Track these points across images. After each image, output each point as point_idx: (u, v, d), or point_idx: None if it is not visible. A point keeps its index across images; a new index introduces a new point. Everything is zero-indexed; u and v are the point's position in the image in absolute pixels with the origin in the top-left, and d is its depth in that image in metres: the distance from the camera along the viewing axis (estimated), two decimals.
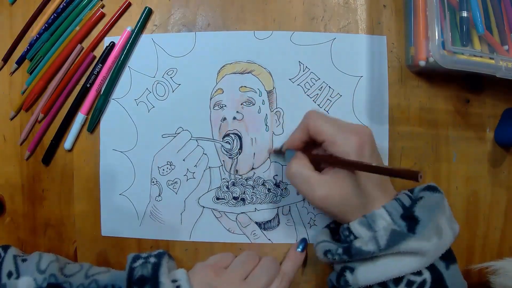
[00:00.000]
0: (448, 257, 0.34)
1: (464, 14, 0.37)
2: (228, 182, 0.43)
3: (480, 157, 0.42)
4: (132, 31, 0.44)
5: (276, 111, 0.42)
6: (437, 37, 0.35)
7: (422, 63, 0.38)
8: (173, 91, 0.44)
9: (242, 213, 0.43)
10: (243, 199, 0.43)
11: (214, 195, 0.43)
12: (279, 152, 0.41)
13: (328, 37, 0.42)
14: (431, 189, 0.36)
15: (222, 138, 0.43)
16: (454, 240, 0.34)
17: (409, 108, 0.42)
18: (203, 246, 0.43)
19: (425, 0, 0.37)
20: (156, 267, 0.36)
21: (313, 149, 0.38)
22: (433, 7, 0.36)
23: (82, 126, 0.45)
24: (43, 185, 0.46)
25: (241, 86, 0.43)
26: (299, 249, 0.41)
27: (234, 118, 0.43)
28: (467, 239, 0.42)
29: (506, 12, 0.39)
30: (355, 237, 0.35)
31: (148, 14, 0.44)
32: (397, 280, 0.33)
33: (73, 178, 0.46)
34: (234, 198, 0.43)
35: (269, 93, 0.43)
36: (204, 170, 0.43)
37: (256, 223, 0.43)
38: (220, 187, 0.43)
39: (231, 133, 0.43)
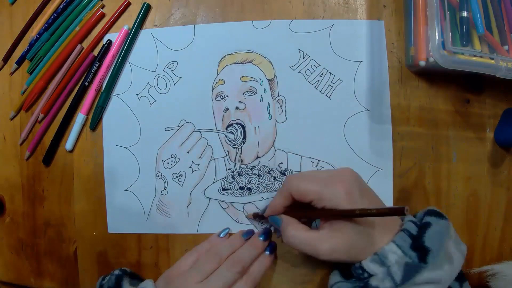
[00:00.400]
0: (460, 277, 0.35)
1: (464, 14, 0.38)
2: (233, 172, 0.43)
3: (480, 157, 0.43)
4: (131, 27, 0.44)
5: (278, 99, 0.43)
6: (437, 37, 0.36)
7: (422, 63, 0.39)
8: (174, 84, 0.44)
9: (249, 202, 0.43)
10: (249, 189, 0.43)
11: (220, 186, 0.43)
12: (258, 217, 0.42)
13: (326, 24, 0.43)
14: (435, 214, 0.36)
15: (226, 129, 0.43)
16: (464, 261, 0.35)
17: (409, 108, 0.42)
18: None
19: (425, 0, 0.38)
20: (120, 278, 0.39)
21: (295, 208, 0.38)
22: (433, 7, 0.36)
23: (83, 126, 0.45)
24: (43, 185, 0.46)
25: (242, 76, 0.43)
26: (261, 238, 0.40)
27: (237, 108, 0.43)
28: (467, 239, 0.43)
29: (506, 12, 0.39)
30: (369, 275, 0.34)
31: (146, 10, 0.44)
32: None
33: (73, 178, 0.45)
34: (240, 188, 0.43)
35: (270, 81, 0.43)
36: (209, 162, 0.43)
37: None
38: (225, 177, 0.43)
39: (234, 123, 0.43)
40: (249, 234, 0.41)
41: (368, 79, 0.43)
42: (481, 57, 0.38)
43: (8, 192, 0.47)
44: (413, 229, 0.35)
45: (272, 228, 0.42)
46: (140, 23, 0.44)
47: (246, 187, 0.43)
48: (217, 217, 0.43)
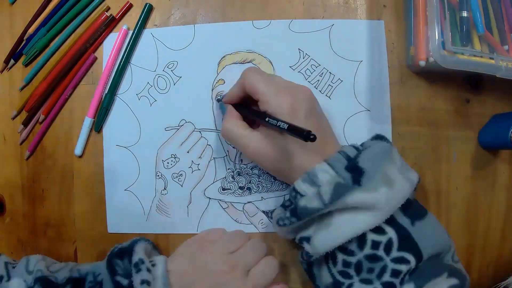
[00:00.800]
0: (411, 212, 0.33)
1: (464, 14, 0.38)
2: (233, 172, 0.43)
3: (480, 157, 0.43)
4: (134, 27, 0.44)
5: None
6: (437, 37, 0.36)
7: (422, 63, 0.39)
8: (174, 84, 0.44)
9: (249, 202, 0.43)
10: (249, 188, 0.43)
11: (220, 186, 0.43)
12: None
13: (326, 24, 0.43)
14: (379, 138, 0.35)
15: None
16: (413, 191, 0.33)
17: (409, 108, 0.42)
18: None
19: (425, 0, 0.38)
20: (134, 242, 0.37)
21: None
22: (433, 7, 0.36)
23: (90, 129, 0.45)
24: (43, 185, 0.46)
25: None
26: None
27: None
28: (467, 239, 0.43)
29: (506, 12, 0.39)
30: (301, 196, 0.33)
31: (149, 10, 0.44)
32: (362, 244, 0.32)
33: (73, 178, 0.45)
34: (240, 187, 0.43)
35: None
36: (209, 161, 0.43)
37: (263, 212, 0.43)
38: (225, 177, 0.43)
39: None
40: None
41: (368, 79, 0.43)
42: (481, 57, 0.37)
43: (8, 192, 0.47)
44: (352, 152, 0.34)
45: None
46: (142, 24, 0.44)
47: (246, 187, 0.43)
48: (217, 217, 0.43)
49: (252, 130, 0.36)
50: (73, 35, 0.46)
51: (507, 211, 0.43)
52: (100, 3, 0.45)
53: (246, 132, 0.36)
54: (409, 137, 0.42)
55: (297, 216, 0.32)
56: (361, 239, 0.32)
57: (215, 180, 0.43)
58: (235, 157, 0.43)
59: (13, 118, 0.46)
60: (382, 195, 0.31)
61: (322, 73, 0.43)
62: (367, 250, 0.31)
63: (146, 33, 0.45)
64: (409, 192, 0.32)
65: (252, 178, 0.43)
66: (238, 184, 0.43)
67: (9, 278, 0.37)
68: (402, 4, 0.43)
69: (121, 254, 0.36)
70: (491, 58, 0.37)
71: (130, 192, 0.44)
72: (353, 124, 0.42)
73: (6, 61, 0.47)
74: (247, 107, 0.39)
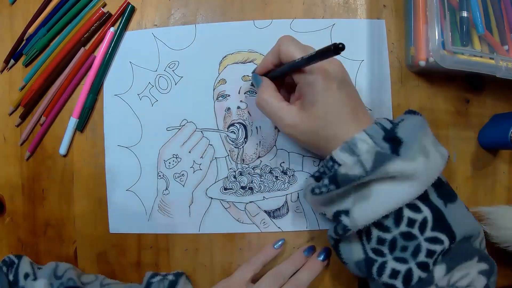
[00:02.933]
0: (444, 193, 0.33)
1: (464, 14, 0.38)
2: (235, 171, 0.43)
3: (480, 157, 0.43)
4: (116, 28, 0.45)
5: None
6: (437, 37, 0.36)
7: (422, 63, 0.39)
8: (175, 84, 0.44)
9: (251, 202, 0.43)
10: (251, 188, 0.43)
11: (222, 186, 0.43)
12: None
13: (327, 23, 0.43)
14: (412, 112, 0.35)
15: (227, 128, 0.43)
16: (445, 165, 0.33)
17: (409, 108, 0.42)
18: (203, 246, 0.44)
19: (425, 0, 0.38)
20: (173, 285, 0.38)
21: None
22: (433, 7, 0.36)
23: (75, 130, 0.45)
24: (43, 185, 0.46)
25: (244, 76, 0.43)
26: (321, 258, 0.41)
27: (238, 107, 0.43)
28: None
29: (506, 12, 0.39)
30: (339, 165, 0.33)
31: (130, 12, 0.45)
32: (398, 220, 0.32)
33: (73, 178, 0.45)
34: (242, 187, 0.43)
35: None
36: (211, 161, 0.43)
37: (265, 211, 0.43)
38: (227, 177, 0.43)
39: (235, 123, 0.43)
40: (310, 251, 0.41)
41: (369, 78, 0.43)
42: (481, 57, 0.38)
43: (8, 192, 0.47)
44: (387, 124, 0.34)
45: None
46: (124, 26, 0.45)
47: (248, 187, 0.43)
48: (219, 217, 0.43)
49: (288, 103, 0.36)
50: (71, 33, 0.45)
51: (496, 180, 0.43)
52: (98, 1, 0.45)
53: (283, 105, 0.36)
54: None
55: (336, 184, 0.32)
56: (397, 215, 0.32)
57: (217, 180, 0.43)
58: (237, 157, 0.43)
59: (10, 114, 0.46)
60: (420, 165, 0.31)
61: None
62: (403, 227, 0.32)
63: (147, 33, 0.45)
64: (442, 165, 0.32)
65: (254, 177, 0.43)
66: (240, 184, 0.43)
67: (35, 278, 0.38)
68: (402, 4, 0.43)
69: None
70: (491, 58, 0.37)
71: (132, 192, 0.44)
72: None
73: (6, 61, 0.46)
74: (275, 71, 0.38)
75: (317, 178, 0.36)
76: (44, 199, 0.46)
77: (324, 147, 0.35)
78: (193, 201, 0.43)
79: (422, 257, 0.31)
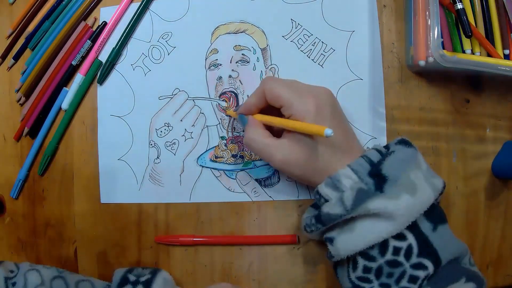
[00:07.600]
0: (435, 217, 0.32)
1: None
2: (226, 140, 0.43)
3: (480, 157, 0.42)
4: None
5: (271, 68, 0.43)
6: (437, 37, 0.36)
7: (422, 63, 0.38)
8: (168, 54, 0.44)
9: (242, 170, 0.42)
10: (241, 156, 0.42)
11: (213, 154, 0.43)
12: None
13: None
14: (404, 143, 0.34)
15: (219, 97, 0.43)
16: (439, 196, 0.33)
17: (409, 108, 0.42)
18: (203, 246, 0.43)
19: (425, 0, 0.38)
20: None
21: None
22: (433, 7, 0.36)
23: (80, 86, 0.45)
24: (43, 185, 0.46)
25: (235, 45, 0.44)
26: None
27: (230, 76, 0.43)
28: (467, 239, 0.42)
29: (507, 12, 0.39)
30: (326, 200, 0.34)
31: None
32: (383, 250, 0.32)
33: (73, 178, 0.45)
34: (233, 155, 0.43)
35: (263, 50, 0.43)
36: (202, 129, 0.43)
37: (256, 180, 0.42)
38: (218, 145, 0.43)
39: (227, 91, 0.43)
40: None
41: (360, 48, 0.43)
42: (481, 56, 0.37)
43: (8, 192, 0.47)
44: (375, 157, 0.33)
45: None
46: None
47: (238, 155, 0.43)
48: (210, 186, 0.43)
49: (276, 138, 0.36)
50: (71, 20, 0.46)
51: (507, 211, 0.42)
52: None
53: (271, 141, 0.35)
54: (409, 137, 0.39)
55: (321, 222, 0.33)
56: (382, 245, 0.32)
57: (208, 148, 0.43)
58: (228, 125, 0.43)
59: (18, 101, 0.47)
60: (404, 203, 0.31)
61: (314, 43, 0.43)
62: (389, 256, 0.32)
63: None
64: (432, 198, 0.32)
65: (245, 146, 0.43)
66: (231, 152, 0.43)
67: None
68: (402, 4, 0.43)
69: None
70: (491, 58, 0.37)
71: (123, 161, 0.44)
72: (346, 92, 0.42)
73: (3, 57, 0.47)
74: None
75: (315, 205, 0.38)
76: (44, 199, 0.46)
77: (313, 179, 0.35)
78: (184, 170, 0.43)
79: (404, 282, 0.31)
